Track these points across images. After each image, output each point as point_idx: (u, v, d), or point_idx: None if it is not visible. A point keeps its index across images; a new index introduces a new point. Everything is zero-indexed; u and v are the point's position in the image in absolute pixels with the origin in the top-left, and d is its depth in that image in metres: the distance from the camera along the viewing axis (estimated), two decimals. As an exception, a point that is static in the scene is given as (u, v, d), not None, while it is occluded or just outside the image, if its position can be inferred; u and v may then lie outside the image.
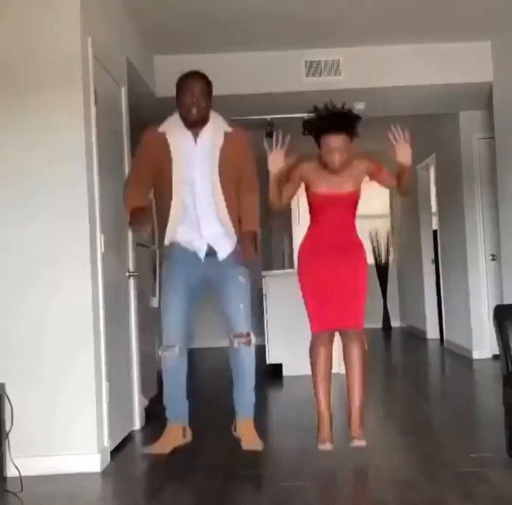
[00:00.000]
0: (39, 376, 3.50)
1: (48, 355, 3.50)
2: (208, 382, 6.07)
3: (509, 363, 3.22)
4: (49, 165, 3.54)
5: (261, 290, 6.39)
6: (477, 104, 6.47)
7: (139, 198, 3.48)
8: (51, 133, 3.55)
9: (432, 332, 8.60)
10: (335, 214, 3.51)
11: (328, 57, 5.69)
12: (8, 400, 3.44)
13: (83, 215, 3.55)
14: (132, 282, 4.40)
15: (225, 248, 3.47)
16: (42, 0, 3.59)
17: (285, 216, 9.18)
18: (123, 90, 4.51)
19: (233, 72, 5.64)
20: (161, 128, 3.48)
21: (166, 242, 3.50)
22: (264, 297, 6.34)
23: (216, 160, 3.41)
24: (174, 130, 3.44)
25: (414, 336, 9.12)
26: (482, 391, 5.45)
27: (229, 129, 3.49)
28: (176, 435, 3.50)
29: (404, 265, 10.03)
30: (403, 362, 7.25)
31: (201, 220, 3.43)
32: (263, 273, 6.37)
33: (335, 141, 3.39)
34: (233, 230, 3.48)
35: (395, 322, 10.17)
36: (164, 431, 3.50)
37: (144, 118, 5.76)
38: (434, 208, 8.35)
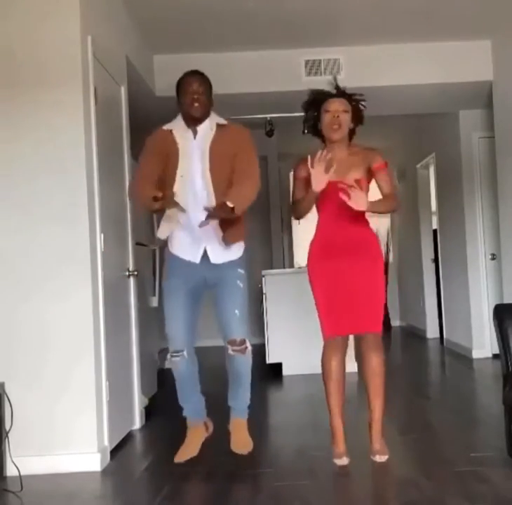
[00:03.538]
0: (39, 375, 3.50)
1: (48, 355, 3.51)
2: (208, 381, 6.06)
3: (509, 362, 3.22)
4: (49, 164, 3.54)
5: (261, 289, 6.39)
6: (477, 103, 6.47)
7: (153, 189, 3.31)
8: (51, 132, 3.54)
9: (432, 332, 8.60)
10: (343, 205, 3.26)
11: (328, 56, 5.69)
12: (8, 399, 3.44)
13: (83, 214, 3.55)
14: (132, 281, 4.40)
15: (221, 254, 3.39)
16: (42, -1, 3.60)
17: (286, 216, 9.19)
18: (123, 89, 4.50)
19: (233, 71, 5.64)
20: (166, 127, 3.45)
21: (164, 235, 3.45)
22: (264, 297, 6.34)
23: (207, 157, 3.35)
24: (178, 128, 3.42)
25: (414, 335, 9.13)
26: (482, 391, 5.45)
27: (223, 121, 3.44)
28: (200, 432, 3.51)
29: (404, 264, 10.03)
30: (403, 361, 7.25)
31: (203, 232, 3.32)
32: (263, 272, 6.36)
33: (334, 103, 3.36)
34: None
35: (395, 322, 10.17)
36: (187, 432, 3.48)
37: (144, 117, 5.78)
38: (434, 207, 8.35)
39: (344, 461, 3.34)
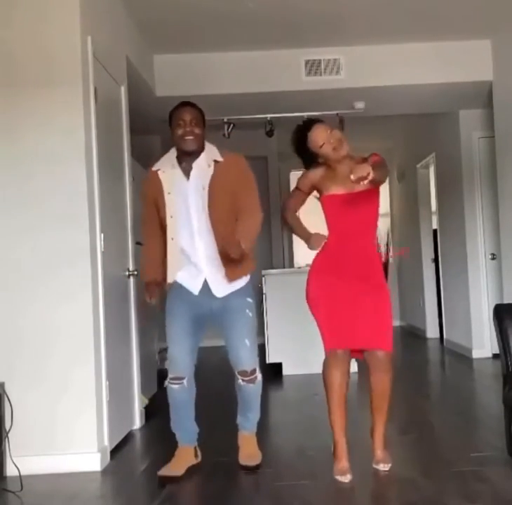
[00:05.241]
0: (39, 375, 3.50)
1: (48, 354, 3.51)
2: (209, 381, 6.07)
3: (509, 362, 3.22)
4: (49, 164, 3.54)
5: (261, 289, 6.38)
6: (477, 103, 6.47)
7: (157, 268, 3.35)
8: (51, 132, 3.54)
9: (432, 331, 8.60)
10: (353, 219, 3.25)
11: (328, 56, 5.69)
12: (8, 399, 3.44)
13: (83, 214, 3.55)
14: (132, 281, 4.40)
15: (222, 288, 3.30)
16: (42, -1, 3.60)
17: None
18: (123, 89, 4.50)
19: (233, 71, 5.65)
20: (155, 167, 3.35)
21: (169, 280, 3.35)
22: (264, 297, 6.34)
23: (206, 195, 3.22)
24: (166, 168, 3.30)
25: (414, 335, 9.13)
26: (482, 390, 5.45)
27: (220, 158, 3.28)
28: (188, 455, 3.41)
29: (404, 264, 10.03)
30: (403, 361, 7.24)
31: (200, 263, 3.28)
32: (263, 272, 6.36)
33: (318, 134, 3.23)
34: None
35: (395, 322, 10.17)
36: (176, 452, 3.40)
37: (144, 117, 5.78)
38: (434, 207, 8.35)
39: (347, 478, 3.19)
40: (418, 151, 8.66)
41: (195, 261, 3.28)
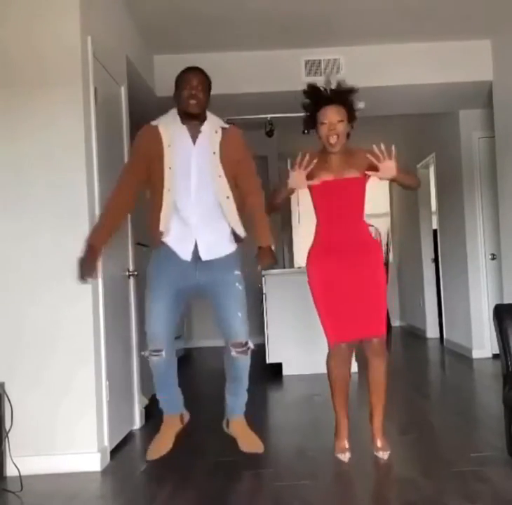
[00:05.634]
0: (39, 375, 3.50)
1: (48, 355, 3.50)
2: (207, 381, 6.07)
3: (509, 362, 3.22)
4: (49, 164, 3.54)
5: (261, 289, 6.38)
6: (477, 103, 6.47)
7: (106, 235, 3.37)
8: (51, 132, 3.54)
9: (432, 331, 8.61)
10: (341, 205, 3.33)
11: (328, 56, 5.69)
12: (8, 399, 3.44)
13: (83, 214, 3.54)
14: (132, 281, 4.40)
15: (211, 250, 3.34)
16: (42, -1, 3.60)
17: (286, 216, 9.19)
18: (123, 89, 4.50)
19: (233, 71, 5.65)
20: (154, 122, 3.39)
21: (162, 228, 3.31)
22: (264, 297, 6.34)
23: (218, 160, 3.31)
24: (168, 124, 3.35)
25: (414, 335, 9.13)
26: (482, 390, 5.45)
27: (226, 125, 3.42)
28: (175, 423, 3.51)
29: (404, 264, 10.03)
30: (403, 361, 7.24)
31: (191, 218, 3.30)
32: (263, 272, 6.35)
33: (328, 114, 3.35)
34: (239, 231, 3.38)
35: (395, 322, 10.17)
36: (162, 425, 3.49)
37: (144, 117, 5.78)
38: (434, 207, 8.36)
39: (346, 456, 3.37)
40: (418, 151, 8.66)
41: (185, 216, 3.29)
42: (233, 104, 5.99)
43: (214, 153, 3.31)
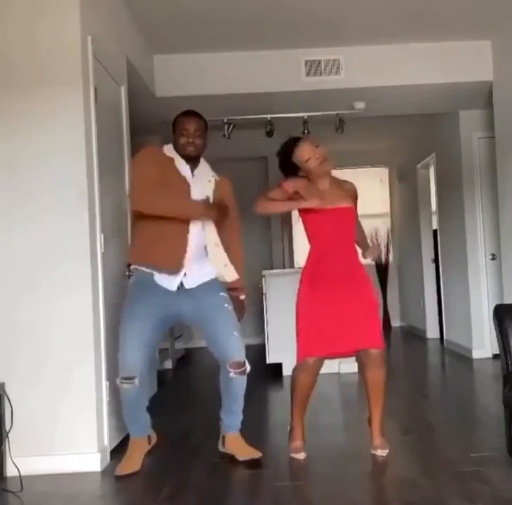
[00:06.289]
0: (39, 375, 3.50)
1: (48, 355, 3.51)
2: (207, 381, 6.07)
3: (509, 363, 3.22)
4: (49, 164, 3.54)
5: (261, 289, 6.38)
6: (478, 104, 6.47)
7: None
8: (51, 132, 3.54)
9: (432, 332, 8.60)
10: (334, 231, 3.46)
11: (328, 56, 5.69)
12: (8, 399, 3.44)
13: (83, 214, 3.54)
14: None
15: (199, 278, 3.40)
16: (42, -1, 3.60)
17: (286, 215, 9.17)
18: (123, 89, 4.50)
19: (233, 72, 5.65)
20: (167, 152, 3.45)
21: (144, 267, 3.40)
22: (264, 297, 6.34)
23: (211, 200, 3.41)
24: (179, 160, 3.43)
25: (414, 335, 9.12)
26: (482, 391, 5.44)
27: (217, 178, 3.55)
28: (143, 445, 3.53)
29: (404, 264, 10.03)
30: (403, 361, 7.24)
31: (187, 263, 3.36)
32: (263, 272, 6.35)
33: (305, 148, 3.43)
34: (226, 276, 3.49)
35: (395, 322, 10.17)
36: (129, 446, 3.51)
37: (144, 118, 5.78)
38: (434, 207, 8.35)
39: (301, 455, 3.48)
40: (418, 151, 8.66)
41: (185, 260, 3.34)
42: (233, 104, 6.00)
43: (207, 197, 3.41)
